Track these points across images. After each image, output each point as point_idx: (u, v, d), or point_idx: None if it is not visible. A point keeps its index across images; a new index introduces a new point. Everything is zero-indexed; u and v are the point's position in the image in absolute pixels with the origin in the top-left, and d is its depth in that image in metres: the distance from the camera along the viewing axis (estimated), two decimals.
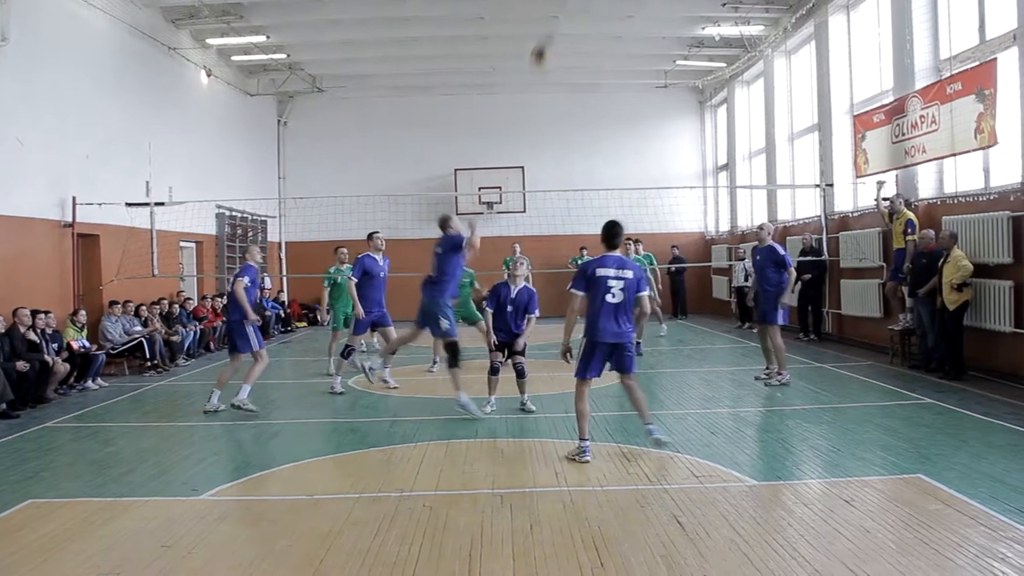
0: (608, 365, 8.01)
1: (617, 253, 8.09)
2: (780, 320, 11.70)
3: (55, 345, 12.82)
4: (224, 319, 13.11)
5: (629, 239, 15.69)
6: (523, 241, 23.52)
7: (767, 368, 12.11)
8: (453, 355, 10.15)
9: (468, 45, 22.27)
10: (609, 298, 7.82)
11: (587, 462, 7.68)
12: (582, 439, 7.89)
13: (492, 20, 20.08)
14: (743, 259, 20.44)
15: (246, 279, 10.94)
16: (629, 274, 7.92)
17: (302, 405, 11.79)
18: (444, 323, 10.43)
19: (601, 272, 7.86)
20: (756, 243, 12.51)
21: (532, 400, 10.47)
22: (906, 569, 4.97)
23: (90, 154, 15.78)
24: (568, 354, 8.02)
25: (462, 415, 9.85)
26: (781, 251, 11.81)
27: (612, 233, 8.16)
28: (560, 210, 21.95)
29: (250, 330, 10.90)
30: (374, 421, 10.21)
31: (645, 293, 8.18)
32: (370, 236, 12.70)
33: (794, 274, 11.91)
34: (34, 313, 12.62)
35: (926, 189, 13.95)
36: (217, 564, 5.43)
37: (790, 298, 12.07)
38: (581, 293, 7.90)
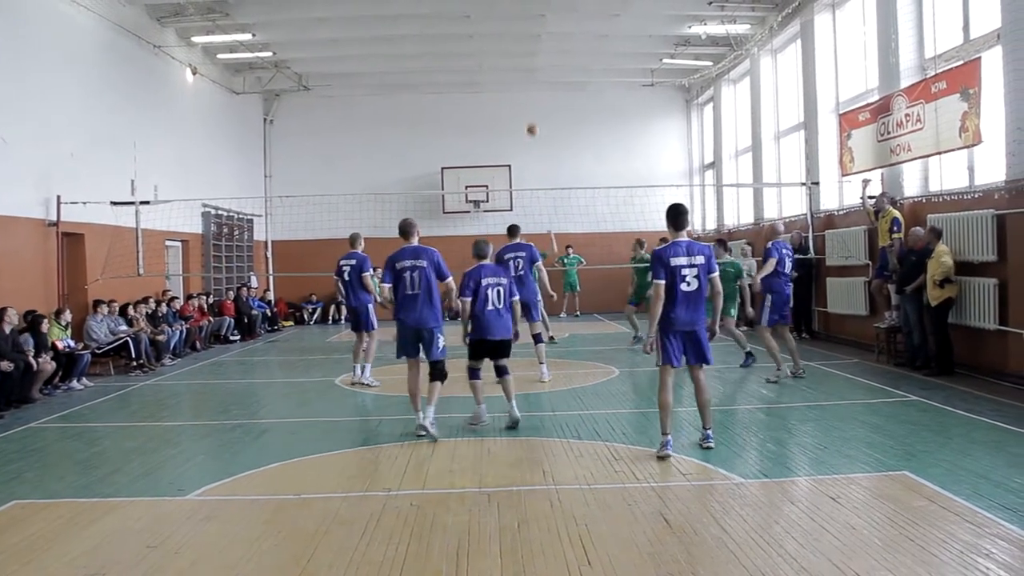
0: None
1: (685, 237, 7.88)
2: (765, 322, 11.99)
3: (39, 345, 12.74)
4: (345, 303, 13.50)
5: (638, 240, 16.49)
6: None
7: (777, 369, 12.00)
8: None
9: (454, 43, 22.26)
10: (684, 287, 7.63)
11: (668, 456, 7.58)
12: (664, 433, 7.74)
13: (478, 18, 20.08)
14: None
15: (370, 270, 12.71)
16: (700, 259, 7.71)
17: (289, 404, 11.76)
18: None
19: (675, 261, 7.66)
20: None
21: (516, 400, 10.38)
22: (891, 565, 4.99)
23: (75, 152, 15.68)
24: (651, 346, 7.83)
25: (449, 414, 9.83)
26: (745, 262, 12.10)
27: (679, 213, 7.97)
28: (547, 208, 21.99)
29: (373, 311, 12.65)
30: (361, 420, 10.19)
31: (716, 274, 7.88)
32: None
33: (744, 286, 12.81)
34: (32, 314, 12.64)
35: (911, 187, 14.02)
36: (204, 564, 5.40)
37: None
38: (664, 281, 7.64)
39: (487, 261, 9.48)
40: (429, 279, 8.85)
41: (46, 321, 12.83)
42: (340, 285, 12.85)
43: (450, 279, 9.07)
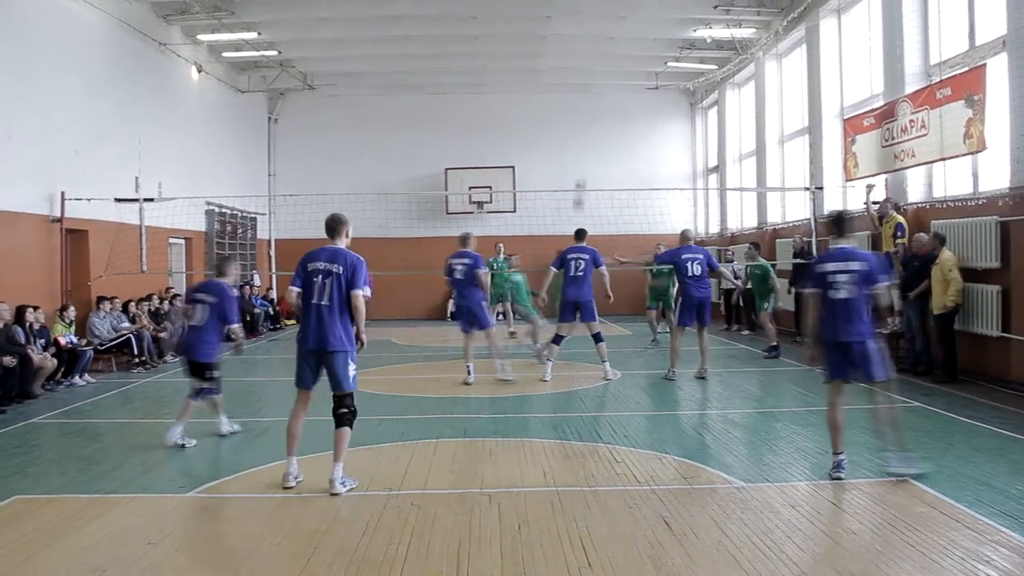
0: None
1: (845, 244, 7.36)
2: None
3: (42, 341, 12.77)
4: (456, 302, 13.45)
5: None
6: (513, 241, 23.49)
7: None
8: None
9: (459, 44, 22.27)
10: (835, 294, 7.02)
11: (840, 479, 7.00)
12: (836, 453, 7.16)
13: (484, 19, 20.09)
14: (731, 261, 20.52)
15: (484, 268, 12.66)
16: (855, 265, 7.03)
17: (290, 403, 11.74)
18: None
19: (821, 268, 7.20)
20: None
21: (518, 401, 10.43)
22: (892, 572, 4.99)
23: (79, 149, 15.69)
24: (814, 360, 7.38)
25: (451, 415, 9.82)
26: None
27: (842, 219, 7.55)
28: (550, 210, 21.97)
29: (487, 308, 12.70)
30: (362, 419, 10.16)
31: (884, 284, 7.15)
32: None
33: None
34: (23, 308, 12.65)
35: (915, 193, 14.01)
36: (204, 561, 5.42)
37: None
38: (815, 290, 7.16)
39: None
40: (340, 288, 7.21)
41: (30, 311, 12.77)
42: (452, 284, 12.95)
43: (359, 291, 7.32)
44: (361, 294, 7.17)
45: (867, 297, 7.03)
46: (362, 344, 7.23)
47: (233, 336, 9.34)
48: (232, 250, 23.23)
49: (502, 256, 18.74)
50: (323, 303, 7.09)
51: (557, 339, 12.71)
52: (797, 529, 5.78)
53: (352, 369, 7.15)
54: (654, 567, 5.15)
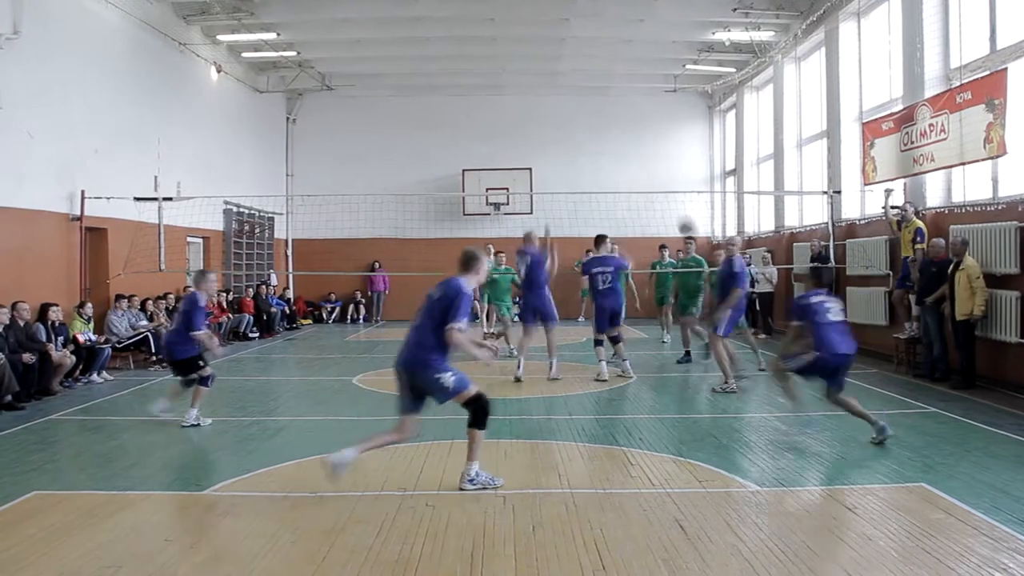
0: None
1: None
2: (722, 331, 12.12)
3: (61, 338, 12.88)
4: (521, 297, 13.86)
5: (692, 239, 16.35)
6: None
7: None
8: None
9: (478, 46, 22.30)
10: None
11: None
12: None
13: (502, 22, 20.11)
14: (749, 265, 20.40)
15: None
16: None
17: (306, 402, 11.82)
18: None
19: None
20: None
21: (533, 403, 10.44)
22: None
23: (99, 148, 15.81)
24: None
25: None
26: (734, 267, 12.11)
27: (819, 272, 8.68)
28: (567, 212, 21.92)
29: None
30: (377, 419, 10.20)
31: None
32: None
33: (738, 293, 12.04)
34: (46, 306, 12.79)
35: (934, 198, 13.92)
36: (220, 559, 5.44)
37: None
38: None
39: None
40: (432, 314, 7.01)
41: (53, 309, 12.92)
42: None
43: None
44: (456, 327, 6.79)
45: None
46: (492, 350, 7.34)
47: (198, 342, 9.90)
48: (250, 249, 23.35)
49: (492, 256, 18.39)
50: (416, 323, 7.03)
51: (600, 342, 13.26)
52: (812, 534, 5.76)
53: (448, 378, 6.91)
54: (668, 570, 5.14)
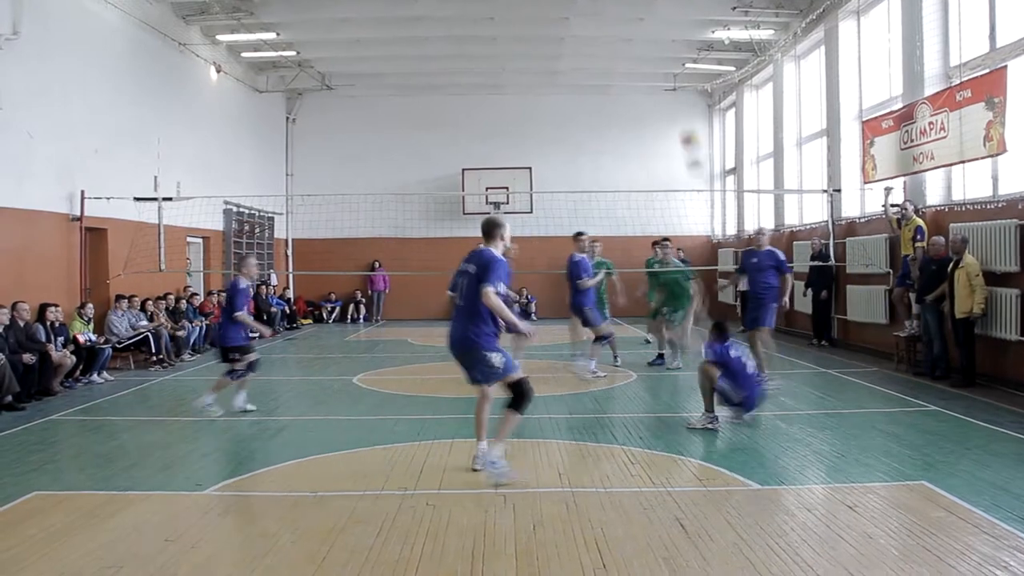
0: None
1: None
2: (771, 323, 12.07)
3: (61, 338, 12.88)
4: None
5: (668, 240, 15.26)
6: (530, 242, 23.45)
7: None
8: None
9: (477, 45, 22.30)
10: None
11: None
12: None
13: (502, 21, 20.11)
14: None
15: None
16: None
17: (307, 402, 11.82)
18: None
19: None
20: (751, 247, 12.51)
21: (533, 402, 10.33)
22: None
23: (99, 148, 15.81)
24: None
25: (466, 415, 9.81)
26: (781, 256, 11.98)
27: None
28: (567, 211, 21.94)
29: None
30: (378, 419, 10.22)
31: None
32: (577, 236, 13.70)
33: (790, 280, 12.00)
34: (45, 306, 12.79)
35: (934, 196, 13.92)
36: (220, 559, 5.44)
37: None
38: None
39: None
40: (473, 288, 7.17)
41: (52, 309, 12.93)
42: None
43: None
44: (491, 290, 6.98)
45: None
46: (520, 332, 7.61)
47: (244, 326, 10.55)
48: (249, 249, 23.34)
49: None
50: (460, 304, 7.29)
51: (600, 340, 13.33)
52: (812, 532, 5.76)
53: (496, 358, 7.14)
54: (668, 569, 5.14)
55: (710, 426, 9.14)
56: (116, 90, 16.59)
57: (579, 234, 13.67)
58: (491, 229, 7.51)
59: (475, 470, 7.32)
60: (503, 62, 24.11)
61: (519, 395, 7.21)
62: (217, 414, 10.25)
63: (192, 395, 12.25)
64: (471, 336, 7.13)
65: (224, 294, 12.20)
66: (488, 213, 25.10)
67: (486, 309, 7.06)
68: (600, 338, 13.29)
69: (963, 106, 12.14)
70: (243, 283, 10.65)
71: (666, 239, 15.16)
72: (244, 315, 10.42)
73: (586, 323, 13.34)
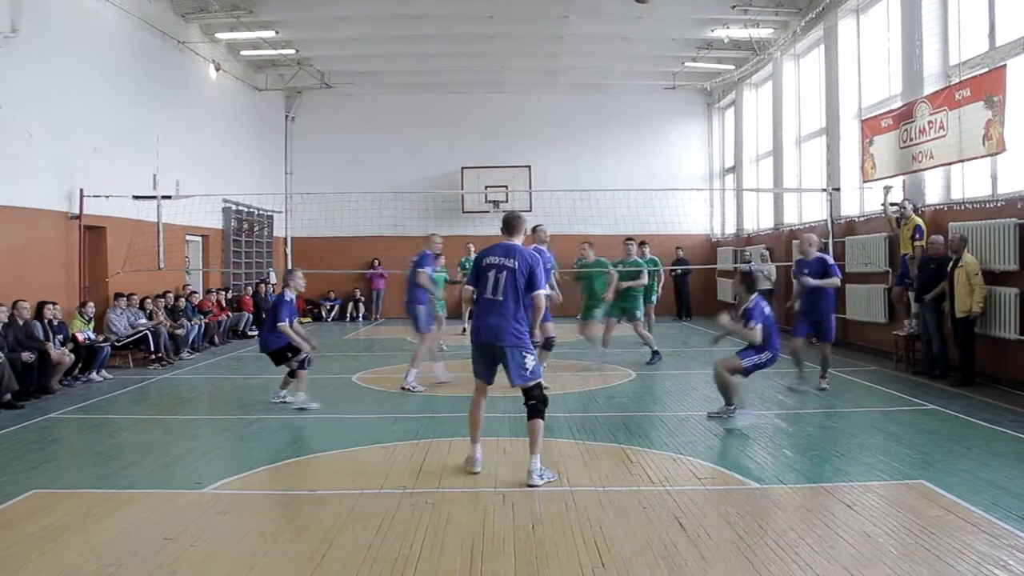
0: None
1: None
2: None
3: (60, 337, 12.87)
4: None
5: (631, 240, 15.22)
6: (528, 241, 23.42)
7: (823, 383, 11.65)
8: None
9: (477, 44, 22.29)
10: None
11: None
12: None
13: (501, 19, 20.11)
14: (749, 262, 20.55)
15: (429, 269, 12.28)
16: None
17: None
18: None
19: None
20: (801, 257, 12.14)
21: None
22: (907, 575, 4.97)
23: (98, 146, 15.81)
24: None
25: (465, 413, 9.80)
26: (830, 260, 11.78)
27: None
28: (566, 210, 21.93)
29: (422, 312, 12.22)
30: (377, 417, 10.22)
31: None
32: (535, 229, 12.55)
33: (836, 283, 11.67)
34: (42, 304, 12.77)
35: (933, 195, 13.93)
36: (219, 558, 5.44)
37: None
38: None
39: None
40: (515, 283, 7.15)
41: (50, 307, 12.92)
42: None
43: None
44: (543, 294, 7.26)
45: None
46: (535, 340, 7.39)
47: (283, 333, 10.70)
48: (249, 248, 23.34)
49: (473, 255, 17.72)
50: (497, 298, 7.15)
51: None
52: (811, 531, 5.76)
53: (531, 361, 7.17)
54: (667, 567, 5.14)
55: (732, 416, 9.45)
56: (115, 88, 16.58)
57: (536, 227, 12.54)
58: (517, 224, 7.57)
59: (474, 473, 7.30)
60: (502, 60, 24.11)
61: (541, 400, 7.21)
62: (314, 407, 10.61)
63: (191, 393, 12.28)
64: (514, 333, 7.10)
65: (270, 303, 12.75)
66: (488, 212, 25.18)
67: (525, 309, 7.13)
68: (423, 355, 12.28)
69: (962, 105, 12.14)
70: (288, 295, 10.98)
71: (630, 238, 15.24)
72: (286, 326, 10.64)
73: (417, 327, 12.32)
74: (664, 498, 6.55)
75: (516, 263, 7.17)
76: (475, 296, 7.41)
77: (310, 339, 11.17)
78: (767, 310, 9.34)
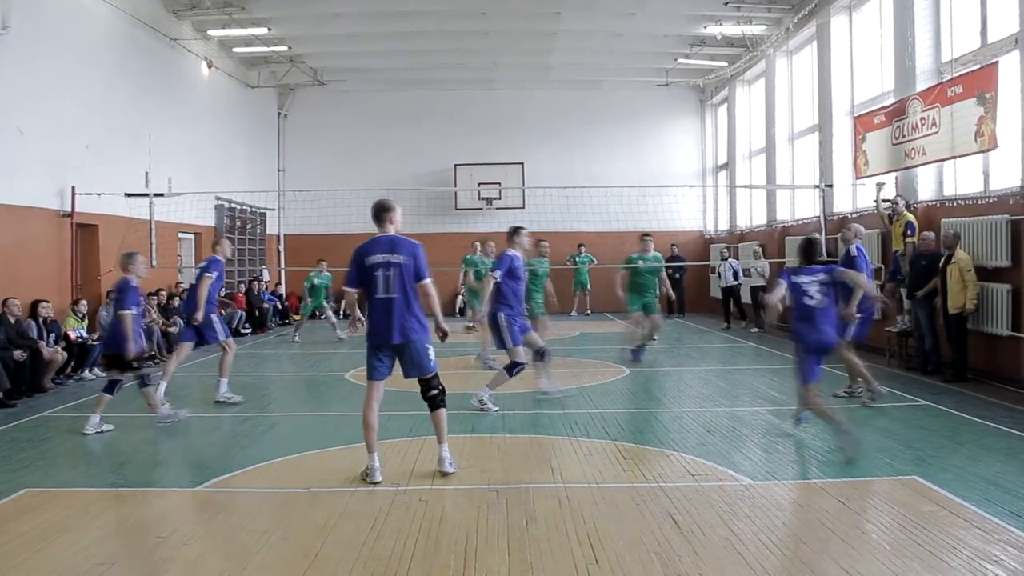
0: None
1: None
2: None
3: (52, 335, 12.84)
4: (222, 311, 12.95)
5: (648, 236, 14.91)
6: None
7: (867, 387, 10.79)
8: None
9: (470, 40, 22.25)
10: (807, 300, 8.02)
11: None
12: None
13: (494, 15, 20.08)
14: (727, 259, 20.70)
15: (214, 274, 11.01)
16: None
17: (299, 398, 11.80)
18: None
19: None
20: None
21: (526, 397, 10.44)
22: (900, 570, 4.98)
23: (90, 144, 15.75)
24: None
25: (459, 411, 9.80)
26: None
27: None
28: (559, 207, 21.97)
29: (216, 320, 11.20)
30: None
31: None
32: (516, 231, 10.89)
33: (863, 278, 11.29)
34: (37, 303, 12.75)
35: (925, 191, 13.96)
36: (212, 555, 5.43)
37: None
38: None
39: None
40: (406, 278, 7.07)
41: (43, 305, 12.89)
42: None
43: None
44: (430, 282, 7.17)
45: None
46: (444, 334, 7.27)
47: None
48: (241, 245, 23.28)
49: (478, 253, 17.26)
50: (392, 295, 7.02)
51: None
52: (805, 527, 5.78)
53: (432, 351, 7.20)
54: (661, 564, 5.15)
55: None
56: (107, 85, 16.52)
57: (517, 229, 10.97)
58: (384, 214, 7.34)
59: (375, 483, 6.97)
60: (495, 57, 24.08)
61: (442, 390, 7.40)
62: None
63: (183, 391, 12.26)
64: (416, 328, 7.12)
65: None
66: (480, 209, 25.17)
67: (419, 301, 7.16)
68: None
69: (954, 102, 12.18)
70: (133, 281, 9.46)
71: (647, 234, 14.96)
72: (127, 315, 9.22)
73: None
74: (658, 494, 6.56)
75: (402, 257, 7.06)
76: (365, 296, 7.19)
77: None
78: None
